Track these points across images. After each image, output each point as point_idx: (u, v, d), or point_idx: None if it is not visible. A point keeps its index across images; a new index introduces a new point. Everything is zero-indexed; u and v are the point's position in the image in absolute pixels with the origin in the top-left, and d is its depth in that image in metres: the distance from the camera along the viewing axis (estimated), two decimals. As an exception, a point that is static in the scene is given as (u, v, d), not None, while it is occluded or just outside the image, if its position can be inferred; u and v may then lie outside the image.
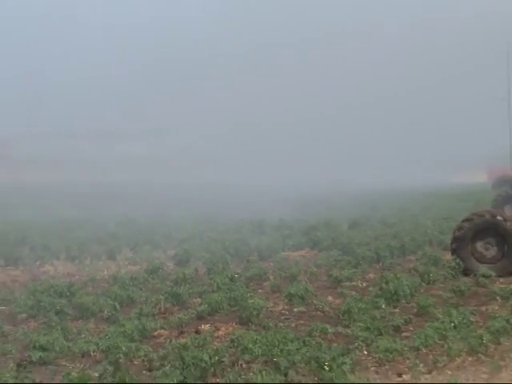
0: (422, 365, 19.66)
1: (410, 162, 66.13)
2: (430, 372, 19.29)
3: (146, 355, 20.19)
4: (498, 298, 27.23)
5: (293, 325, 23.54)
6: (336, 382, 17.55)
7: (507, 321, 23.47)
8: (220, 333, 23.05)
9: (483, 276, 30.39)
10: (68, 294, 27.33)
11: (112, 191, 56.44)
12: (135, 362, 19.66)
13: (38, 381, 18.04)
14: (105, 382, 17.18)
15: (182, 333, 23.01)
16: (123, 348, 20.44)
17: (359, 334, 21.87)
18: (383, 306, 25.40)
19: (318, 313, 25.70)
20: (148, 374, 18.54)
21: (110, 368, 18.62)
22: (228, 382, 18.05)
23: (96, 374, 18.07)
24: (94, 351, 20.57)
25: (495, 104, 41.01)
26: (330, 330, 22.44)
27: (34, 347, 21.07)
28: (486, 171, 68.86)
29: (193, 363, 18.61)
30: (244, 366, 19.09)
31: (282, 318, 25.03)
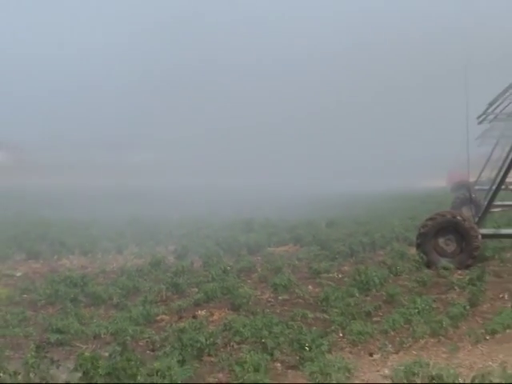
0: (390, 345, 19.90)
1: (380, 168, 65.73)
2: (397, 352, 19.52)
3: (149, 337, 20.38)
4: (456, 287, 27.46)
5: (278, 311, 23.72)
6: (315, 360, 17.73)
7: (464, 307, 23.70)
8: (214, 318, 23.20)
9: (443, 268, 30.63)
10: (81, 283, 27.45)
11: (120, 194, 56.36)
12: (140, 343, 19.84)
13: (55, 359, 18.15)
14: (114, 361, 17.29)
15: (181, 318, 23.17)
16: (130, 331, 20.64)
17: (335, 318, 22.07)
18: (356, 295, 25.59)
19: (300, 300, 25.86)
20: (151, 353, 18.69)
21: (118, 348, 18.81)
22: (221, 360, 18.28)
23: (106, 354, 18.22)
24: (104, 334, 20.78)
25: (457, 117, 40.90)
26: (310, 315, 22.64)
27: (52, 330, 21.28)
28: (445, 177, 68.76)
29: (190, 344, 18.80)
30: (235, 346, 19.30)
31: (269, 304, 25.22)
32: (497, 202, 38.12)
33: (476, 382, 16.06)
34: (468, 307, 24.10)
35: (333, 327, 21.20)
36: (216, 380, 16.85)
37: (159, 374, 15.94)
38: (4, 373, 16.85)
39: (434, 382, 15.94)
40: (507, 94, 48.67)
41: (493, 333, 21.24)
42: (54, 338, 20.46)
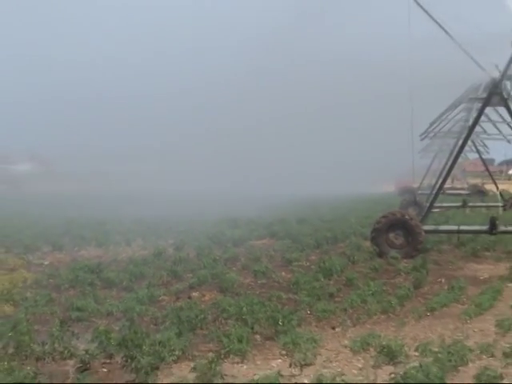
0: (349, 321, 19.93)
1: (340, 175, 65.49)
2: (354, 326, 19.55)
3: (152, 314, 20.34)
4: (402, 273, 27.56)
5: (257, 292, 23.67)
6: (288, 333, 17.74)
7: (409, 290, 23.78)
8: (205, 298, 23.18)
9: (392, 258, 30.69)
10: (97, 270, 27.41)
11: (129, 197, 56.19)
12: (145, 319, 19.77)
13: (75, 332, 18.13)
14: (123, 333, 17.26)
15: (178, 298, 23.14)
16: (136, 309, 20.60)
17: (304, 298, 22.12)
18: (321, 279, 25.61)
19: (275, 284, 25.85)
20: (154, 327, 18.62)
21: (127, 323, 18.77)
22: (211, 333, 18.28)
23: (117, 328, 18.20)
24: (115, 311, 20.72)
25: (404, 134, 40.97)
26: (283, 296, 22.66)
27: (73, 309, 21.21)
28: (394, 183, 68.67)
29: (186, 320, 18.80)
30: (223, 321, 19.27)
31: (250, 287, 25.18)
32: (436, 204, 38.13)
33: (419, 350, 16.13)
34: (412, 289, 24.19)
35: (302, 306, 21.28)
36: (207, 348, 16.85)
37: (161, 344, 15.93)
38: (34, 343, 16.85)
39: (384, 350, 15.98)
40: (444, 116, 48.85)
41: (432, 310, 21.32)
42: (74, 315, 20.46)
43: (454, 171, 44.23)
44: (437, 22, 32.12)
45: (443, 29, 32.12)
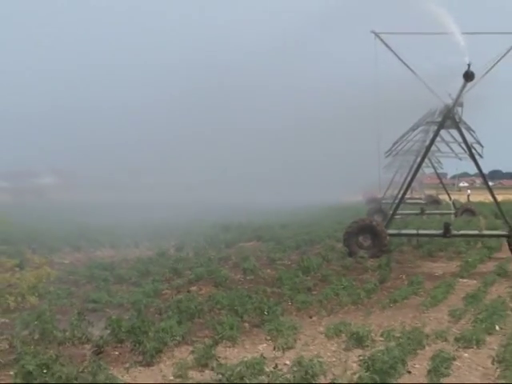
0: (324, 311, 19.98)
1: (316, 186, 65.13)
2: (328, 315, 19.60)
3: (157, 305, 20.34)
4: (369, 270, 27.65)
5: (246, 287, 23.68)
6: (272, 321, 17.77)
7: (375, 284, 23.85)
8: (202, 292, 23.19)
9: (361, 257, 30.73)
10: (110, 268, 27.42)
11: (137, 206, 56.13)
12: (150, 310, 19.77)
13: (91, 321, 18.13)
14: (132, 322, 17.25)
15: (179, 292, 23.15)
16: (143, 301, 20.59)
17: (286, 292, 22.17)
18: (300, 275, 25.62)
19: (261, 279, 25.88)
20: (158, 316, 18.61)
21: (135, 313, 18.80)
22: (207, 321, 18.30)
23: (127, 317, 18.19)
24: (125, 303, 20.74)
25: (371, 151, 41.18)
26: (268, 290, 22.68)
27: (89, 301, 21.24)
28: (361, 194, 68.70)
29: (185, 310, 18.82)
30: (216, 311, 19.30)
31: (240, 282, 25.25)
32: (398, 212, 38.24)
33: (384, 336, 16.17)
34: (378, 284, 24.25)
35: (284, 298, 21.37)
36: (204, 334, 16.86)
37: (164, 330, 15.94)
38: (56, 330, 16.85)
39: (354, 336, 16.02)
40: (405, 137, 48.97)
41: (394, 302, 21.35)
42: (90, 306, 20.50)
43: (413, 183, 44.21)
44: (400, 59, 32.30)
45: (405, 64, 32.30)
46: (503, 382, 12.67)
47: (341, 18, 40.32)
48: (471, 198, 77.19)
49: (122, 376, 13.39)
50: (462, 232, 36.16)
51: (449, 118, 33.37)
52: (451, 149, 52.69)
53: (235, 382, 12.76)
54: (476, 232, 37.36)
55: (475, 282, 25.12)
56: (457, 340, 16.07)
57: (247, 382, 12.76)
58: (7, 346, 15.53)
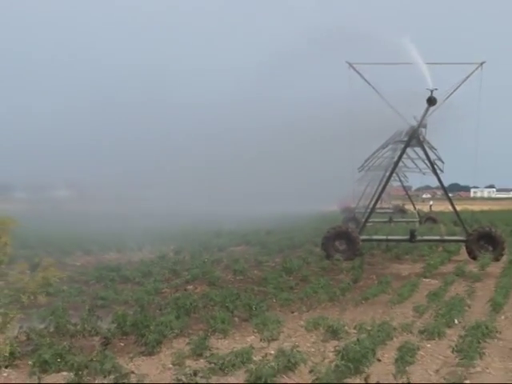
0: (304, 307, 20.02)
1: (296, 197, 64.60)
2: (308, 311, 19.63)
3: (157, 302, 20.35)
4: (344, 271, 27.62)
5: (236, 286, 23.67)
6: (258, 316, 17.78)
7: (349, 284, 23.88)
8: (197, 290, 23.18)
9: (337, 260, 30.73)
10: (117, 269, 27.35)
11: (140, 215, 55.99)
12: (152, 306, 19.76)
13: (100, 316, 18.11)
14: (136, 316, 17.23)
15: (177, 290, 23.12)
16: (146, 298, 20.60)
17: (271, 290, 22.22)
18: (284, 276, 25.66)
19: (249, 279, 25.90)
20: (159, 312, 18.56)
21: (139, 309, 18.78)
22: (201, 316, 18.30)
23: (131, 312, 18.16)
24: (130, 300, 20.72)
25: (346, 166, 41.34)
26: (255, 289, 22.74)
27: (98, 298, 21.22)
28: (337, 204, 68.73)
29: (182, 306, 18.80)
30: (210, 307, 19.29)
31: (230, 282, 25.22)
32: (370, 220, 38.30)
33: (356, 329, 16.21)
34: (351, 283, 24.28)
35: (269, 296, 21.40)
36: (199, 328, 16.85)
37: (163, 324, 15.94)
38: (68, 324, 16.84)
39: (330, 329, 16.04)
40: (376, 154, 49.11)
41: (366, 299, 21.40)
42: (99, 303, 20.47)
43: (383, 195, 44.33)
44: (371, 85, 32.41)
45: (376, 90, 32.43)
46: (461, 369, 12.72)
47: (319, 48, 40.33)
48: (433, 208, 77.45)
49: (127, 364, 13.39)
50: (425, 237, 36.31)
51: (414, 138, 33.51)
52: (416, 165, 52.86)
53: (227, 369, 12.82)
54: (437, 237, 37.66)
55: (437, 281, 25.19)
56: (420, 332, 16.13)
57: (237, 369, 12.81)
58: (25, 338, 15.49)
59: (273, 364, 12.74)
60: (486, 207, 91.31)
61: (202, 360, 13.78)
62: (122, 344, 15.67)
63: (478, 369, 13.15)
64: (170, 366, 13.56)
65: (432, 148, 37.46)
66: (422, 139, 34.04)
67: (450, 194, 41.21)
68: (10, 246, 6.07)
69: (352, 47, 35.17)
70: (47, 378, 12.31)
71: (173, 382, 12.11)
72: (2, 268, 6.28)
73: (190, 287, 23.96)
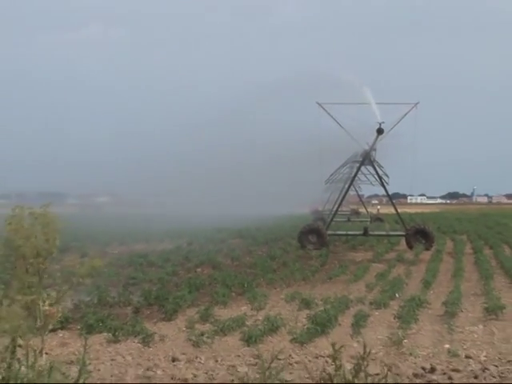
0: (284, 284, 20.01)
1: (275, 202, 63.66)
2: (287, 287, 19.62)
3: (174, 281, 20.33)
4: (314, 258, 27.44)
5: (233, 269, 23.62)
6: (250, 291, 17.78)
7: (317, 267, 23.95)
8: (204, 272, 23.13)
9: (309, 249, 30.62)
10: (144, 256, 27.27)
11: (162, 216, 55.75)
12: (170, 284, 19.72)
13: (131, 291, 18.06)
14: (158, 292, 17.19)
15: (189, 272, 23.08)
16: (165, 278, 20.59)
17: (259, 272, 22.17)
18: (269, 261, 25.61)
19: (243, 264, 25.75)
20: (175, 288, 18.51)
21: (160, 286, 18.78)
22: (207, 291, 18.30)
23: (154, 288, 18.15)
24: (154, 279, 20.64)
25: (317, 179, 41.52)
26: (247, 271, 22.72)
27: (130, 278, 21.17)
28: (308, 207, 68.52)
29: (193, 284, 18.82)
30: (213, 285, 19.26)
31: (229, 266, 25.07)
32: (334, 220, 38.19)
33: (323, 301, 16.22)
34: (319, 267, 24.34)
35: (258, 276, 21.30)
36: (205, 300, 16.84)
37: (179, 297, 15.95)
38: (108, 297, 16.82)
39: (303, 301, 16.08)
40: (338, 170, 49.12)
41: (330, 278, 21.45)
42: (131, 281, 20.45)
43: (343, 201, 44.29)
44: (335, 120, 32.47)
45: (338, 123, 32.50)
46: (401, 331, 12.78)
47: (292, 89, 40.55)
48: (380, 211, 77.47)
49: (152, 327, 13.40)
50: (375, 233, 36.33)
51: (366, 159, 33.59)
52: (367, 178, 52.79)
53: (226, 331, 12.85)
54: (384, 233, 37.75)
55: (383, 265, 25.22)
56: (371, 303, 16.18)
57: (234, 331, 12.82)
58: (72, 307, 15.49)
59: (260, 327, 12.79)
60: (419, 210, 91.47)
61: (207, 324, 13.81)
62: (148, 312, 15.65)
63: (414, 331, 13.21)
64: (184, 328, 13.57)
65: (380, 166, 37.48)
66: (372, 159, 34.11)
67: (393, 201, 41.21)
68: (60, 240, 6.08)
69: (320, 87, 35.38)
70: (92, 338, 12.31)
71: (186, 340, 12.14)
72: (55, 256, 6.31)
73: (198, 270, 23.94)
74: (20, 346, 5.36)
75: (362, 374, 5.15)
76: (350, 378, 5.05)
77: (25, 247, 5.82)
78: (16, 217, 6.04)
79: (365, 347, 5.27)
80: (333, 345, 5.72)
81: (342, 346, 5.77)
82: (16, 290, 5.84)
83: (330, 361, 5.45)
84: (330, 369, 5.31)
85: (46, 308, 5.59)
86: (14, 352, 5.32)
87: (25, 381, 4.97)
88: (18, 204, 6.51)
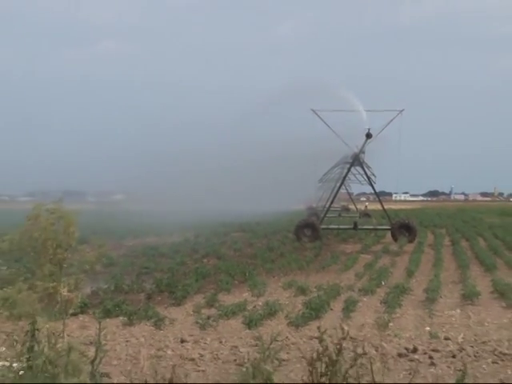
0: (281, 273, 19.96)
1: (273, 200, 63.07)
2: (284, 276, 19.54)
3: (183, 270, 20.26)
4: (309, 249, 27.38)
5: (236, 259, 23.59)
6: (251, 279, 17.75)
7: (311, 258, 23.85)
8: (210, 262, 23.06)
9: (304, 242, 30.56)
10: (155, 248, 27.30)
11: (171, 213, 55.39)
12: (179, 273, 19.65)
13: (144, 279, 18.02)
14: (168, 280, 17.15)
15: (196, 262, 23.00)
16: (175, 267, 20.53)
17: (259, 262, 22.12)
18: (268, 252, 25.53)
19: (245, 254, 25.69)
20: (184, 276, 18.51)
21: (170, 275, 18.75)
22: (213, 279, 18.26)
23: (165, 277, 18.11)
24: (165, 269, 20.61)
25: (312, 179, 41.72)
26: (248, 261, 22.61)
27: (143, 267, 21.15)
28: (303, 204, 68.33)
29: (200, 273, 18.80)
30: (218, 274, 19.18)
31: (232, 256, 25.01)
32: (327, 215, 38.10)
33: (316, 288, 16.19)
34: (313, 257, 24.27)
35: (258, 266, 21.23)
36: (211, 287, 16.81)
37: (187, 285, 15.97)
38: (123, 284, 16.82)
39: (299, 288, 16.06)
40: (330, 170, 49.02)
41: (323, 268, 21.40)
42: (144, 270, 20.42)
43: (335, 198, 44.15)
44: (327, 126, 32.48)
45: (331, 129, 32.49)
46: (386, 315, 12.75)
47: (291, 98, 40.50)
48: (368, 207, 77.36)
49: (163, 312, 13.39)
50: (363, 227, 36.29)
51: (356, 160, 33.55)
52: (356, 178, 52.69)
53: (229, 315, 12.83)
54: (371, 227, 37.73)
55: (370, 256, 25.20)
56: (360, 290, 16.16)
57: (236, 315, 12.80)
58: (91, 294, 15.48)
59: (260, 312, 12.78)
60: (403, 207, 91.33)
61: (212, 309, 13.79)
62: (159, 298, 15.63)
63: (398, 315, 13.19)
64: (191, 313, 13.56)
65: (368, 167, 37.35)
66: (361, 161, 34.07)
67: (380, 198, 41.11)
68: (78, 233, 6.11)
69: (315, 97, 35.36)
70: (109, 321, 12.30)
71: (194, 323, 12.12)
72: (73, 248, 6.35)
73: (204, 260, 23.87)
74: (38, 329, 5.37)
75: (345, 353, 5.15)
76: (334, 356, 5.05)
77: (45, 239, 5.83)
78: (34, 212, 6.05)
79: (343, 329, 5.26)
80: (318, 328, 5.72)
81: (325, 330, 5.74)
82: (38, 278, 5.84)
83: (317, 337, 5.42)
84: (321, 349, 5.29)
85: (66, 294, 5.58)
86: (33, 335, 5.32)
87: (45, 360, 4.97)
88: (37, 201, 6.52)
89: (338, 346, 4.97)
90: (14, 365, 5.05)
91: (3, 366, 5.10)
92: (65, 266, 5.98)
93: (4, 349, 5.37)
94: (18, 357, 5.35)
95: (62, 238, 5.75)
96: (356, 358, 5.08)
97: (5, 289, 6.25)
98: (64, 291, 5.59)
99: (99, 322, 7.35)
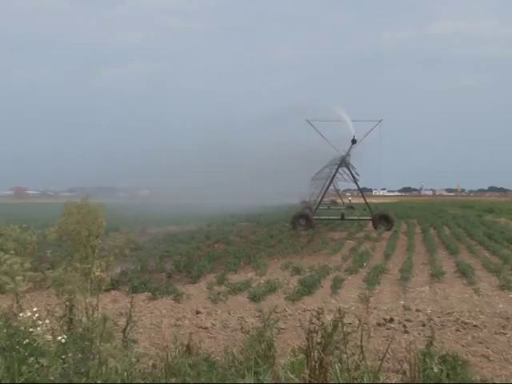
0: (280, 256, 19.81)
1: (272, 195, 62.38)
2: (283, 258, 19.42)
3: (198, 254, 20.08)
4: (303, 237, 27.29)
5: (242, 245, 23.46)
6: (255, 261, 17.69)
7: (305, 243, 23.77)
8: (220, 247, 22.86)
9: (299, 231, 30.44)
10: (175, 235, 27.24)
11: (189, 205, 55.36)
12: (195, 256, 19.39)
13: (166, 261, 17.98)
14: (185, 262, 17.11)
15: (208, 247, 22.80)
16: (190, 251, 20.36)
17: (261, 247, 22.02)
18: (269, 239, 25.40)
19: (249, 241, 25.50)
20: (198, 259, 18.30)
21: (187, 257, 18.69)
22: (222, 261, 18.22)
23: (183, 259, 18.05)
24: (182, 252, 20.49)
25: (307, 177, 41.99)
26: (253, 246, 22.49)
27: (164, 251, 21.03)
28: (298, 198, 68.22)
29: (212, 256, 18.76)
30: (227, 256, 19.05)
31: (238, 242, 24.85)
32: (319, 208, 38.00)
33: (309, 268, 16.16)
34: (307, 243, 24.21)
35: (261, 250, 21.11)
36: (221, 268, 16.77)
37: (201, 266, 15.95)
38: (148, 265, 16.81)
39: (295, 269, 16.04)
40: (321, 170, 48.82)
41: (315, 252, 21.36)
42: (165, 254, 20.33)
43: (325, 194, 43.99)
44: (319, 133, 32.45)
45: (322, 136, 32.45)
46: (368, 291, 12.72)
47: (291, 112, 40.46)
48: (352, 201, 77.14)
49: (181, 288, 13.37)
50: (349, 217, 36.24)
51: (343, 162, 33.49)
52: (343, 177, 52.45)
53: (237, 291, 12.81)
54: (355, 217, 37.63)
55: (354, 242, 25.15)
56: (345, 270, 16.11)
57: (243, 291, 12.78)
58: (121, 273, 15.48)
59: (262, 288, 12.77)
60: (381, 201, 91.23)
61: (222, 286, 13.77)
62: (178, 277, 15.57)
63: (377, 291, 13.16)
64: (205, 289, 13.54)
65: (353, 168, 37.21)
66: (347, 163, 33.98)
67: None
68: (106, 223, 6.20)
69: (309, 110, 35.30)
70: (136, 296, 12.31)
71: (207, 298, 12.11)
72: (104, 235, 6.45)
73: (216, 245, 23.80)
74: (74, 305, 5.46)
75: (339, 326, 5.15)
76: (330, 330, 5.06)
77: (79, 230, 5.93)
78: (66, 208, 6.16)
79: (340, 311, 5.26)
80: (318, 308, 5.73)
81: (322, 310, 5.74)
82: (77, 260, 5.90)
83: (314, 314, 5.41)
84: (316, 321, 5.30)
85: (98, 274, 5.64)
86: (71, 309, 5.40)
87: (83, 328, 5.01)
88: (70, 198, 6.63)
89: (335, 323, 4.98)
90: (58, 337, 5.11)
91: (46, 337, 5.15)
92: (97, 250, 6.04)
93: (48, 321, 5.42)
94: (61, 327, 5.39)
95: (92, 227, 5.82)
96: (344, 329, 5.07)
97: (51, 270, 6.30)
98: (97, 271, 5.64)
99: (131, 297, 7.37)
